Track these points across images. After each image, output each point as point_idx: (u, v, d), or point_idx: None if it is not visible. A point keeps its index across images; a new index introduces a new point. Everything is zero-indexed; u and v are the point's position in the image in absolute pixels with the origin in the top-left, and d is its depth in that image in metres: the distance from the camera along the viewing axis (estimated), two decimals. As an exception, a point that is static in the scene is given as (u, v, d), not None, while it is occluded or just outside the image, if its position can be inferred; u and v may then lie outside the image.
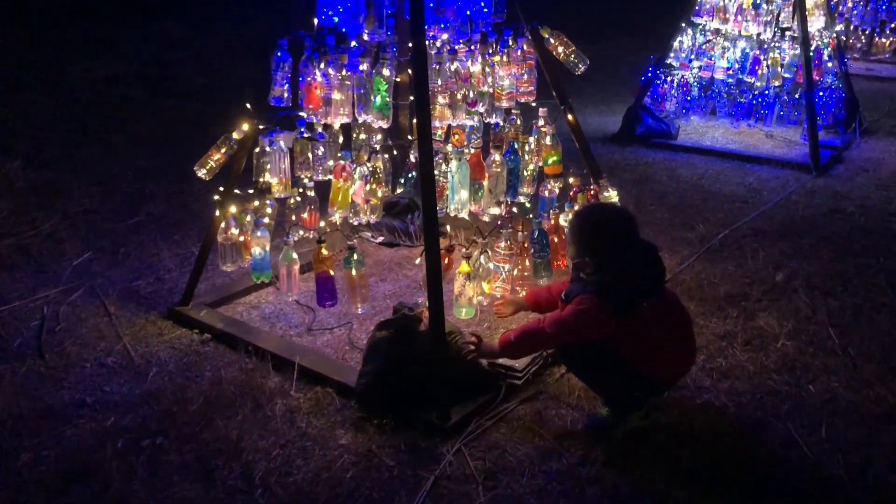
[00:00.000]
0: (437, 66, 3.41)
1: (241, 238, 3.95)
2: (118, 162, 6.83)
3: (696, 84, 7.84)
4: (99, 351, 3.90)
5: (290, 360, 3.67)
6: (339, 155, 3.72)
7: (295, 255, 3.84)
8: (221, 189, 3.97)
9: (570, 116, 4.09)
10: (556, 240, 3.96)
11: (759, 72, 7.36)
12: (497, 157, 3.66)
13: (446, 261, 3.39)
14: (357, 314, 4.07)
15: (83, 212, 5.69)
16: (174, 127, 7.90)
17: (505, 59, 3.78)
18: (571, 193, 4.19)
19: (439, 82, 3.38)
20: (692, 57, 7.68)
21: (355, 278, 3.57)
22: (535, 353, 3.54)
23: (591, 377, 3.27)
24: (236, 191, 4.07)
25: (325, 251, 3.63)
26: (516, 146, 3.80)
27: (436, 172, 3.52)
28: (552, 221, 3.97)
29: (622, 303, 3.01)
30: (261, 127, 3.87)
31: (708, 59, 7.61)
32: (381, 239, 3.70)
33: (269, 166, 3.85)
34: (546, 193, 4.34)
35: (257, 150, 3.94)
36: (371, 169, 3.54)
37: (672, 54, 7.72)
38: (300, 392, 3.53)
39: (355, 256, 3.53)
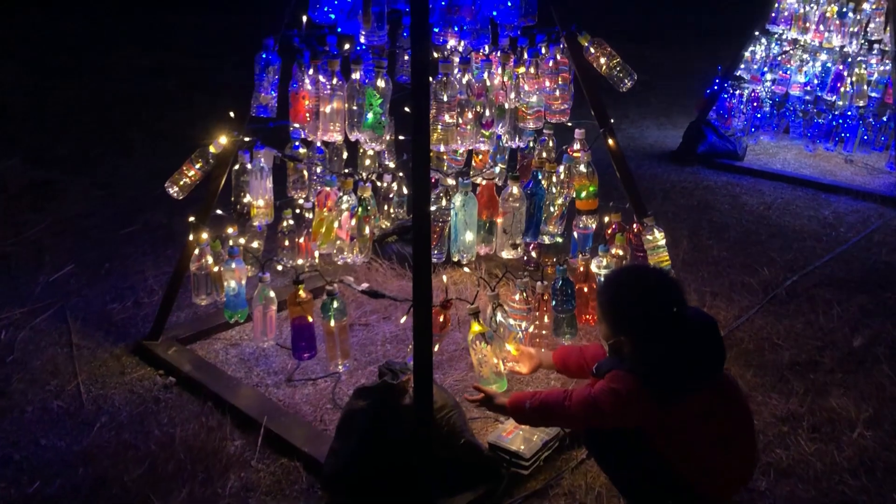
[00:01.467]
0: (445, 78, 2.77)
1: (217, 268, 3.37)
2: (131, 161, 6.36)
3: (768, 100, 7.01)
4: (47, 391, 3.37)
5: (257, 420, 3.09)
6: (326, 179, 3.11)
7: (272, 294, 3.25)
8: (196, 212, 3.40)
9: (610, 141, 3.41)
10: (585, 290, 3.29)
11: (842, 89, 6.51)
12: (515, 189, 3.01)
13: (441, 318, 2.76)
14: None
15: (76, 217, 5.21)
16: (200, 124, 7.40)
17: (533, 70, 3.12)
18: (609, 233, 3.52)
19: (445, 98, 2.75)
20: (765, 69, 6.87)
21: (334, 330, 2.96)
22: (549, 438, 2.89)
23: (619, 473, 2.61)
24: (219, 212, 3.52)
25: (302, 293, 3.03)
26: (541, 176, 3.14)
27: (439, 207, 2.89)
28: (580, 268, 3.30)
29: (667, 387, 2.35)
30: (244, 140, 3.29)
31: (783, 72, 6.79)
32: (363, 287, 3.08)
33: (248, 187, 3.27)
34: (579, 231, 3.68)
35: (237, 167, 3.36)
36: (359, 199, 2.92)
37: (742, 65, 6.91)
38: (263, 462, 2.95)
39: (335, 304, 2.93)
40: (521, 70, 3.09)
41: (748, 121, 7.03)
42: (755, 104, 7.01)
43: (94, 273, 4.46)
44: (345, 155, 3.76)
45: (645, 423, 2.41)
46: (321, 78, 3.01)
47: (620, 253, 3.46)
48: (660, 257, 3.50)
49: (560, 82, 3.24)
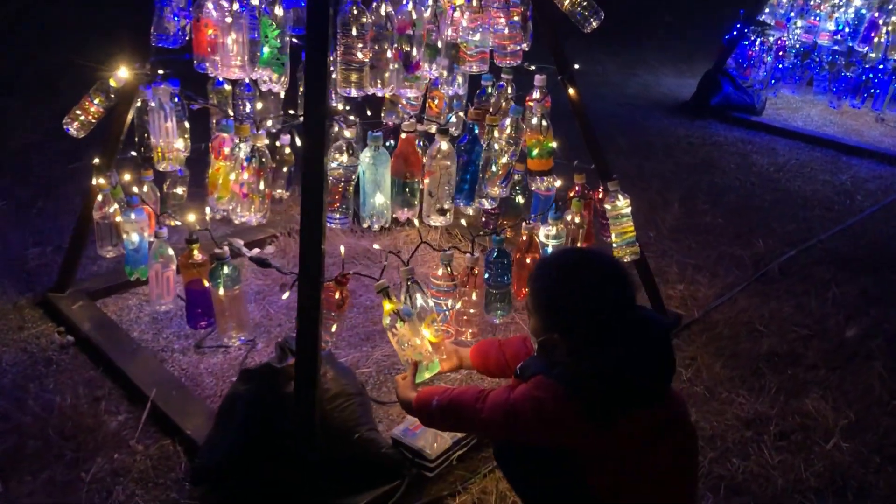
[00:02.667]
0: (355, 7, 2.31)
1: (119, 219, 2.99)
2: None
3: (793, 49, 6.38)
4: (-68, 345, 3.06)
5: (146, 392, 2.75)
6: (223, 124, 2.68)
7: (170, 252, 2.86)
8: (100, 154, 3.01)
9: (570, 91, 2.93)
10: (528, 261, 2.85)
11: (875, 40, 5.86)
12: (444, 145, 2.56)
13: (338, 295, 2.35)
14: (271, 329, 3.12)
15: (27, 147, 4.86)
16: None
17: (476, 2, 2.63)
18: (569, 195, 3.07)
19: (354, 31, 2.29)
20: (792, 15, 6.23)
21: (223, 299, 2.57)
22: (462, 436, 2.50)
23: (533, 498, 2.19)
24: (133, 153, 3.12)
25: (197, 254, 2.64)
26: (478, 130, 2.68)
27: (340, 164, 2.45)
28: (523, 236, 2.86)
29: (602, 404, 1.91)
30: (146, 74, 2.87)
31: (813, 18, 6.15)
32: (253, 253, 2.67)
33: (149, 127, 2.86)
34: (542, 194, 3.23)
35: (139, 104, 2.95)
36: (252, 148, 2.49)
37: (767, 9, 6.27)
38: (143, 443, 2.60)
39: (225, 270, 2.53)
40: (460, 2, 2.61)
41: (769, 72, 6.41)
42: (779, 53, 6.38)
43: (24, 212, 4.12)
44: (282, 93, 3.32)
45: (570, 445, 1.98)
46: (223, 3, 2.56)
47: (577, 221, 3.01)
48: (623, 227, 3.05)
49: (514, 18, 2.75)
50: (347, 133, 2.44)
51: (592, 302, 1.91)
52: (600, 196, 3.09)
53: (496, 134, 2.74)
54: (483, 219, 3.53)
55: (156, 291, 2.90)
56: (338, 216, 2.41)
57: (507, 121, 2.78)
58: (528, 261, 2.87)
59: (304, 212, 2.23)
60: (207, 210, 2.79)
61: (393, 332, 2.38)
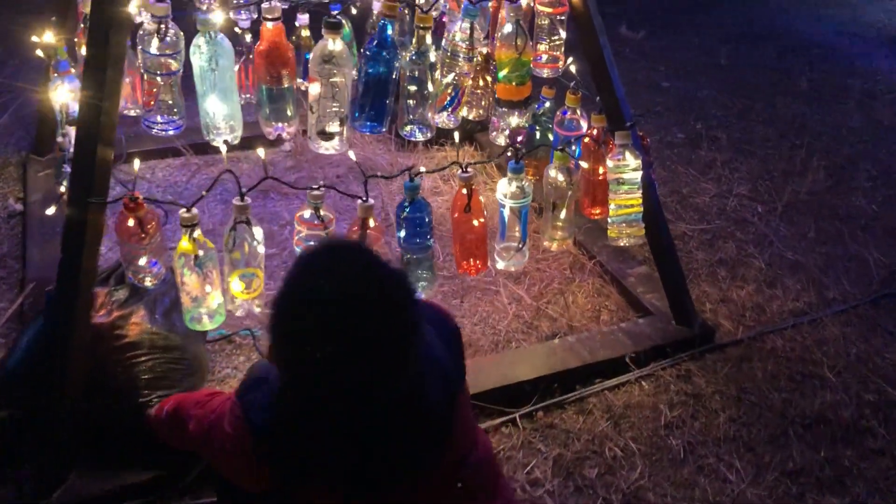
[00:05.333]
0: None
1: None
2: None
3: None
4: None
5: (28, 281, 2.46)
6: None
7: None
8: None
9: (573, -3, 2.07)
10: (475, 223, 2.10)
11: None
12: (336, 44, 1.84)
13: (131, 223, 1.81)
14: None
15: None
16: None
17: None
18: (587, 140, 2.25)
19: None
20: None
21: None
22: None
23: None
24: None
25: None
26: (391, 31, 1.92)
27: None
28: (461, 188, 2.09)
29: (290, 461, 1.31)
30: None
31: None
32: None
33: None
34: (563, 127, 2.44)
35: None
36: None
37: None
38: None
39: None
40: None
41: None
42: None
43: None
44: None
45: (251, 485, 1.39)
46: None
47: (559, 180, 2.19)
48: (625, 198, 2.19)
49: None
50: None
51: (310, 332, 1.20)
52: (597, 137, 2.24)
53: (430, 41, 1.98)
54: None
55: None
56: (159, 119, 1.85)
57: (457, 25, 2.01)
58: (473, 223, 2.12)
59: (80, 109, 1.71)
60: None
61: (180, 274, 1.85)
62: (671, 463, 2.07)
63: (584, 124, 2.47)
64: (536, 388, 2.22)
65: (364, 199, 1.96)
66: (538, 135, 2.62)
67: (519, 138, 2.67)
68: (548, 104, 2.60)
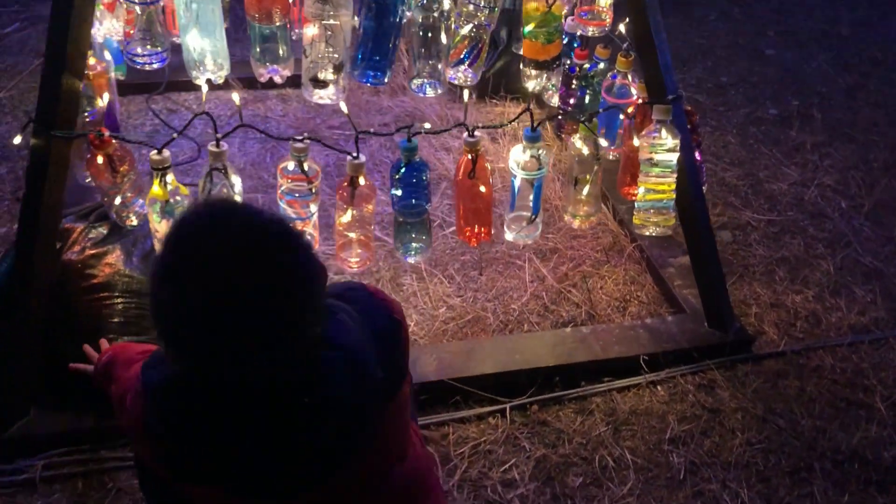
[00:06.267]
0: None
1: None
2: None
3: None
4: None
5: None
6: None
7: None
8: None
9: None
10: (481, 189, 1.90)
11: None
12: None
13: (100, 160, 1.70)
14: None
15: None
16: None
17: None
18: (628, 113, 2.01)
19: None
20: None
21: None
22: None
23: None
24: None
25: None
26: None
27: None
28: (467, 154, 1.88)
29: (177, 454, 1.18)
30: None
31: None
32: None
33: None
34: (612, 93, 2.21)
35: None
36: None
37: None
38: None
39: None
40: None
41: None
42: None
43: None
44: None
45: (146, 461, 1.29)
46: None
47: (584, 152, 1.95)
48: (657, 182, 1.94)
49: None
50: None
51: (190, 291, 1.06)
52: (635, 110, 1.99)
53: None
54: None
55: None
56: (139, 50, 1.73)
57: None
58: (480, 189, 1.92)
59: (48, 35, 1.62)
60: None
61: (153, 223, 1.75)
62: (668, 482, 1.85)
63: (635, 91, 2.23)
64: (534, 379, 2.03)
65: (354, 155, 1.81)
66: (588, 99, 2.40)
67: (571, 101, 2.45)
68: (601, 65, 2.37)
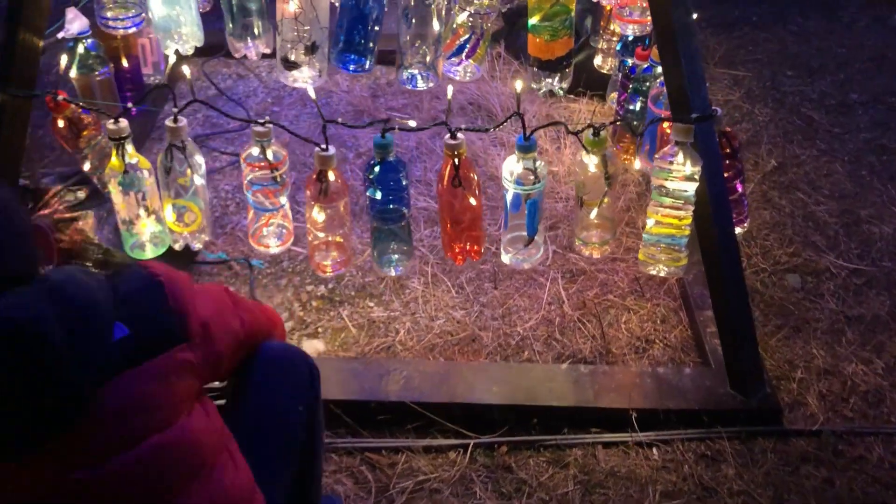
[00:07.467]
0: None
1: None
2: None
3: None
4: None
5: None
6: None
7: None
8: None
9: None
10: (466, 202, 1.69)
11: None
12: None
13: (61, 124, 1.63)
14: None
15: None
16: None
17: None
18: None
19: None
20: None
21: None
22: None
23: None
24: None
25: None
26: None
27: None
28: (455, 153, 1.66)
29: None
30: None
31: None
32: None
33: None
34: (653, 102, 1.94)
35: None
36: None
37: None
38: None
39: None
40: None
41: None
42: None
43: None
44: None
45: None
46: None
47: (591, 170, 1.69)
48: (670, 215, 1.65)
49: None
50: None
51: None
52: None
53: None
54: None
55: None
56: (108, 14, 1.65)
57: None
58: (470, 201, 1.70)
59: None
60: None
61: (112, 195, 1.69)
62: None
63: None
64: (508, 417, 1.80)
65: (323, 147, 1.65)
66: (638, 107, 2.12)
67: (630, 107, 2.17)
68: (658, 69, 2.07)
